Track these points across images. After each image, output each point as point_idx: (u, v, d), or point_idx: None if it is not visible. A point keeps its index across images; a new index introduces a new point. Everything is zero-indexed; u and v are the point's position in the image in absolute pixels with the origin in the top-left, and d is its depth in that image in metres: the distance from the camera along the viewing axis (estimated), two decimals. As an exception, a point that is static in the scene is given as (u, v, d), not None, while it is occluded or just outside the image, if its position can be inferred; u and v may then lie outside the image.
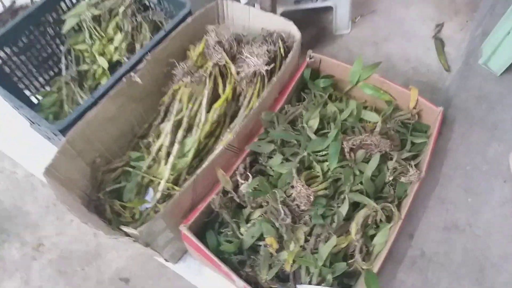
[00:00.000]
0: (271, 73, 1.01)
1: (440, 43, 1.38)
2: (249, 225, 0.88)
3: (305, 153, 0.90)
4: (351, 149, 0.90)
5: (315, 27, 1.45)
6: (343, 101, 1.06)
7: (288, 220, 0.84)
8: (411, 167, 0.89)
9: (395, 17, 1.46)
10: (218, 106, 0.94)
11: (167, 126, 0.99)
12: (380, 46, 1.40)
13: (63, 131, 0.90)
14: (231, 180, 0.89)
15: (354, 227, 0.85)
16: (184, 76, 0.95)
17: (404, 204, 0.89)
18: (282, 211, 0.84)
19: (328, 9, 1.39)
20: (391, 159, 0.92)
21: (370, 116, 1.01)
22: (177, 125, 0.97)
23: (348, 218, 0.87)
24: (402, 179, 0.89)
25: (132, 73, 0.94)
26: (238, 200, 0.89)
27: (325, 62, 1.07)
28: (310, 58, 1.05)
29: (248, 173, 0.89)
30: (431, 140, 0.95)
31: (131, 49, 1.17)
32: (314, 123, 0.97)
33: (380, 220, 0.87)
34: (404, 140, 0.99)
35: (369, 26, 1.45)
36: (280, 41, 1.02)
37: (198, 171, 0.85)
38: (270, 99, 0.99)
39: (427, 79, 1.32)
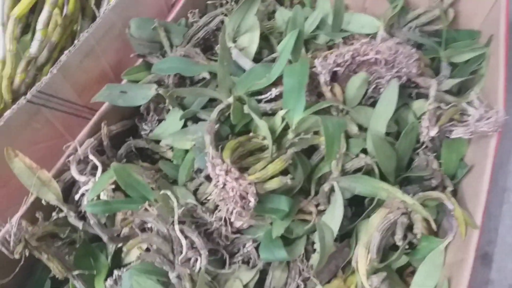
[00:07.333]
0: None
1: None
2: (109, 283, 0.36)
3: (233, 98, 0.39)
4: (333, 78, 0.40)
5: None
6: (305, 5, 0.56)
7: (202, 262, 0.33)
8: (472, 104, 0.40)
9: None
10: None
11: None
12: None
13: None
14: (60, 179, 0.37)
15: (362, 255, 0.35)
16: None
17: (469, 189, 0.40)
18: (184, 240, 0.33)
19: None
20: (417, 94, 0.43)
21: (361, 22, 0.51)
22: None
23: (346, 234, 0.37)
24: (455, 133, 0.39)
25: None
26: (79, 225, 0.37)
27: None
28: None
29: (96, 161, 0.37)
30: (490, 54, 0.46)
31: None
32: (251, 40, 0.45)
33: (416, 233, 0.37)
34: (435, 59, 0.49)
35: None
36: None
37: None
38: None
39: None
